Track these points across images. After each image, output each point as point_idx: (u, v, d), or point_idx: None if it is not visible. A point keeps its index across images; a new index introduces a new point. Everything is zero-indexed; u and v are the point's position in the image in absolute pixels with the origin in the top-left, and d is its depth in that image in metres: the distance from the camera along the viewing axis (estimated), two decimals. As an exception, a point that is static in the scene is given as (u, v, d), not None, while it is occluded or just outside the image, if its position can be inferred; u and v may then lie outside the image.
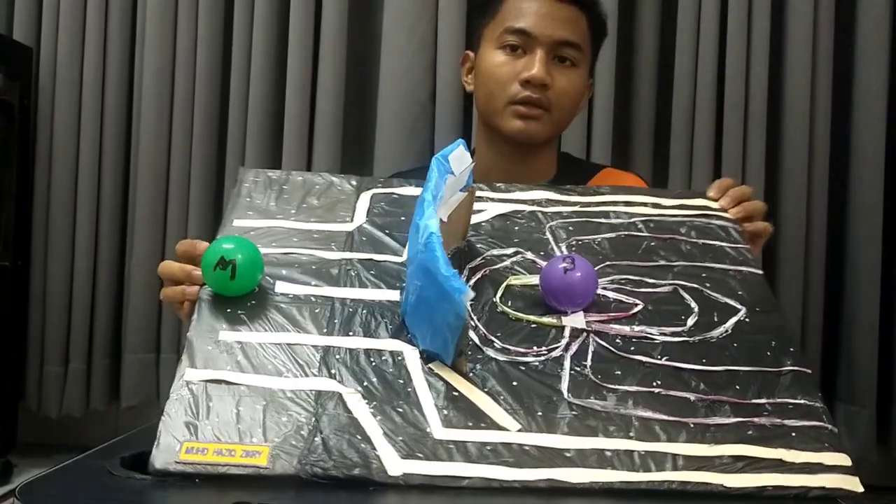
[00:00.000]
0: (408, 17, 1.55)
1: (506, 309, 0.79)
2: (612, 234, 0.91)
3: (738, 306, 0.82)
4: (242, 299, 0.76)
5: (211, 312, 0.75)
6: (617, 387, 0.72)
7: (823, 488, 0.64)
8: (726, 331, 0.79)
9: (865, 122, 1.51)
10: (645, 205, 0.96)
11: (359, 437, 0.64)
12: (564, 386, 0.71)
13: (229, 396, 0.67)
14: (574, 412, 0.69)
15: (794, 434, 0.69)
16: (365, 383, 0.70)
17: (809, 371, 0.76)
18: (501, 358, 0.74)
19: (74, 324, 1.68)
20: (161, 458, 0.62)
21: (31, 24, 1.69)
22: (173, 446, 0.62)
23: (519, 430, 0.67)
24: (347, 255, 0.84)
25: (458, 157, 0.77)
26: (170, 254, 1.68)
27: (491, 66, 1.16)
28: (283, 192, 0.92)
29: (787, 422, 0.70)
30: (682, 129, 1.53)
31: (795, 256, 1.52)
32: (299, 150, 1.60)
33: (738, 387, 0.73)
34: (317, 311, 0.77)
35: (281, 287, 0.79)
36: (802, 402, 0.72)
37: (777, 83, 1.53)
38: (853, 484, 0.65)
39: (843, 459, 0.67)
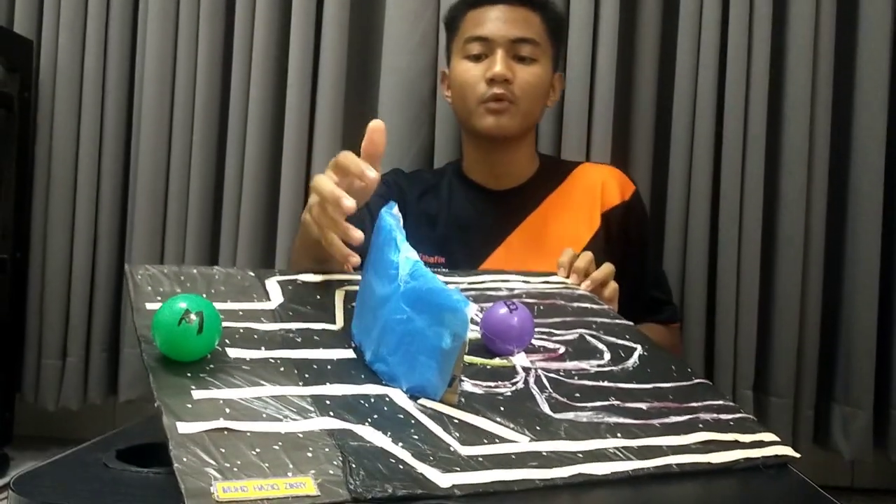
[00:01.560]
0: (410, 14, 1.54)
1: None
2: None
3: (633, 345, 0.93)
4: (200, 364, 0.69)
5: (170, 377, 0.67)
6: (586, 404, 0.77)
7: (776, 456, 0.74)
8: (636, 361, 0.89)
9: (866, 123, 1.49)
10: (518, 281, 1.05)
11: (393, 461, 0.61)
12: (545, 407, 0.75)
13: (239, 443, 0.59)
14: (565, 424, 0.72)
15: (732, 423, 0.79)
16: (369, 420, 0.66)
17: (710, 382, 0.88)
18: (478, 391, 0.75)
19: (73, 317, 1.65)
20: (196, 502, 0.52)
21: (31, 17, 1.68)
22: (205, 489, 0.53)
23: (531, 441, 0.68)
24: (283, 325, 0.80)
25: (397, 213, 0.81)
26: (168, 249, 1.64)
27: (459, 73, 1.31)
28: (182, 281, 0.85)
29: (721, 416, 0.80)
30: (683, 129, 1.52)
31: (793, 257, 1.49)
32: (299, 146, 1.58)
33: (670, 396, 0.82)
34: (282, 370, 0.72)
35: (234, 353, 0.73)
36: (721, 402, 0.83)
37: (778, 84, 1.51)
38: (791, 451, 0.75)
39: (774, 437, 0.78)
